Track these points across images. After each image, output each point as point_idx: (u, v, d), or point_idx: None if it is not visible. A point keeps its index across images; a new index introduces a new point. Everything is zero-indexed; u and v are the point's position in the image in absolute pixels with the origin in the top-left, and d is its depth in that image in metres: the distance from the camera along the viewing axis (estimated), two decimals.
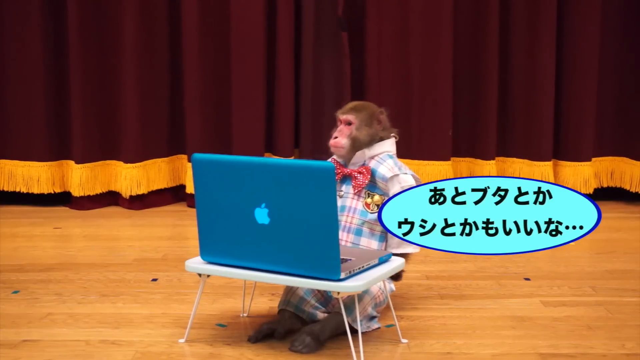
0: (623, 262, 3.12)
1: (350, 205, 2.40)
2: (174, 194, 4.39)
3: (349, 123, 2.42)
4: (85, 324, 2.38)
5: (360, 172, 2.39)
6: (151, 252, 3.28)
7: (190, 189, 4.20)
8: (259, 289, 2.63)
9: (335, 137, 2.41)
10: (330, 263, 1.97)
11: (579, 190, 4.24)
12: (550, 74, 4.21)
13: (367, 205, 2.39)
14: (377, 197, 2.39)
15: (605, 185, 4.37)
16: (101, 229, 3.77)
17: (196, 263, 2.18)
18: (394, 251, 2.36)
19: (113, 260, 3.13)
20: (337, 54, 4.17)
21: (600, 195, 4.33)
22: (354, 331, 2.11)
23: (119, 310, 2.51)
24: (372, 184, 2.40)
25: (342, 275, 1.98)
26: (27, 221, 3.92)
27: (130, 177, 4.18)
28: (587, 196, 2.23)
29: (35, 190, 4.24)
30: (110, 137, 4.25)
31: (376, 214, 2.36)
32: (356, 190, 2.39)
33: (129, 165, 4.19)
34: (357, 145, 2.40)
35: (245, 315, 2.45)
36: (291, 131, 4.23)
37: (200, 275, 2.18)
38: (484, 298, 2.64)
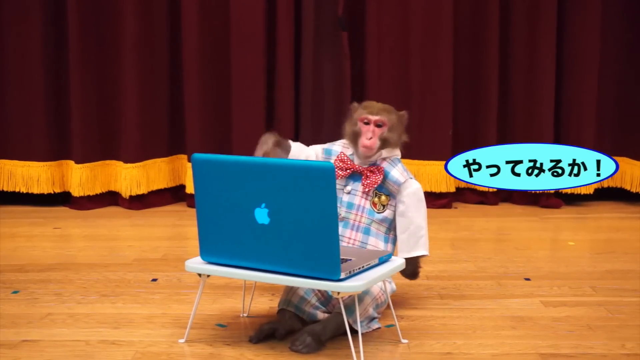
0: (623, 262, 3.12)
1: (359, 203, 2.39)
2: (173, 194, 4.39)
3: (379, 125, 2.40)
4: (85, 324, 2.37)
5: (372, 172, 2.39)
6: (151, 252, 3.28)
7: (190, 189, 4.19)
8: (259, 289, 2.63)
9: (371, 138, 2.39)
10: (330, 263, 1.97)
11: (579, 191, 4.28)
12: (550, 74, 4.21)
13: (374, 204, 2.40)
14: (383, 198, 2.40)
15: (605, 186, 4.36)
16: (101, 229, 3.77)
17: (196, 263, 2.18)
18: (406, 255, 2.39)
19: (113, 260, 3.13)
20: (337, 54, 4.17)
21: (601, 195, 4.34)
22: (354, 331, 2.11)
23: (119, 310, 2.50)
24: (380, 184, 2.40)
25: (342, 275, 1.98)
26: (27, 221, 3.91)
27: (130, 177, 4.18)
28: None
29: (35, 190, 4.24)
30: (110, 137, 4.25)
31: (382, 213, 2.39)
32: (367, 189, 2.39)
33: (128, 165, 4.19)
34: (385, 147, 2.41)
35: (245, 315, 2.45)
36: (291, 131, 4.23)
37: (200, 275, 2.18)
38: (484, 298, 2.64)
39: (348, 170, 2.40)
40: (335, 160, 2.41)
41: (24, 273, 2.94)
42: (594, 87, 4.23)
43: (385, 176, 2.40)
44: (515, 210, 4.24)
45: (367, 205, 2.40)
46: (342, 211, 2.38)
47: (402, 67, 4.22)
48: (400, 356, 2.14)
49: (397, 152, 2.46)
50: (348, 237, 2.37)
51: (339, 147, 2.48)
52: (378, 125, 2.40)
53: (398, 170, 2.42)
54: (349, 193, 2.40)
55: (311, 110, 4.20)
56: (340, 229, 2.34)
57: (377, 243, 2.39)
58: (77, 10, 4.07)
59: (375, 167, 2.40)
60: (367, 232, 2.38)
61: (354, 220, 2.38)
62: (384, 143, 2.40)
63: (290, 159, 2.37)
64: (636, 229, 3.74)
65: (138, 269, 3.00)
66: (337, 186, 2.35)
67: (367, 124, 2.41)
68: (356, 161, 2.43)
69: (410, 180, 2.42)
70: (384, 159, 2.42)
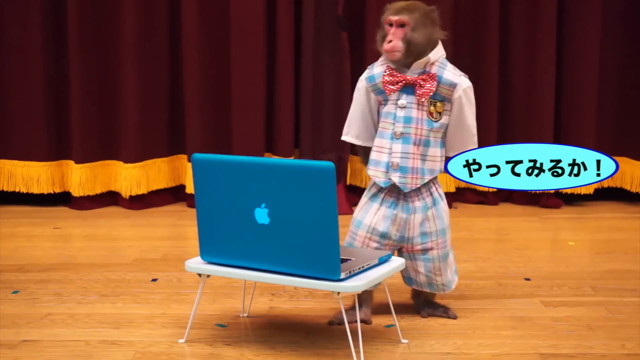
0: (623, 262, 3.12)
1: (417, 116, 2.28)
2: (173, 194, 4.39)
3: (402, 25, 2.25)
4: (85, 324, 2.37)
5: (425, 80, 2.27)
6: (151, 252, 3.28)
7: (190, 189, 4.20)
8: (259, 289, 2.63)
9: (390, 41, 2.25)
10: (330, 263, 1.97)
11: (579, 191, 4.28)
12: (550, 74, 4.21)
13: (431, 114, 2.29)
14: (439, 105, 2.29)
15: (605, 185, 4.36)
16: (101, 229, 3.77)
17: (196, 263, 2.18)
18: (454, 153, 2.33)
19: (113, 261, 3.13)
20: (337, 54, 4.17)
21: (601, 195, 4.34)
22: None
23: (119, 311, 2.50)
24: (435, 91, 2.28)
25: (342, 275, 1.98)
26: (27, 221, 3.92)
27: (130, 177, 4.18)
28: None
29: (35, 190, 4.24)
30: (110, 137, 4.25)
31: (440, 121, 2.30)
32: (422, 99, 2.27)
33: (128, 165, 4.19)
34: (412, 48, 2.26)
35: (245, 315, 2.45)
36: (291, 131, 4.23)
37: (200, 275, 2.18)
38: (484, 298, 2.64)
39: (399, 84, 2.27)
40: (383, 76, 2.28)
41: (24, 273, 2.94)
42: (594, 87, 4.23)
43: (439, 81, 2.27)
44: (515, 210, 4.24)
45: (424, 115, 2.28)
46: (399, 127, 2.28)
47: None
48: (400, 356, 2.14)
49: (443, 52, 2.31)
50: (412, 153, 2.28)
51: (381, 67, 2.32)
52: (400, 25, 2.25)
53: (449, 71, 2.29)
54: (403, 107, 2.28)
55: (311, 110, 4.20)
56: (401, 146, 2.28)
57: (435, 152, 2.31)
58: (77, 10, 4.07)
59: (427, 75, 2.26)
60: (427, 144, 2.30)
61: (415, 135, 2.28)
62: (409, 45, 2.25)
63: (289, 159, 2.37)
64: (636, 229, 3.74)
65: (138, 269, 3.00)
66: (390, 101, 2.29)
67: (390, 25, 2.27)
68: (409, 72, 2.28)
69: (462, 77, 2.30)
70: (432, 63, 2.28)
